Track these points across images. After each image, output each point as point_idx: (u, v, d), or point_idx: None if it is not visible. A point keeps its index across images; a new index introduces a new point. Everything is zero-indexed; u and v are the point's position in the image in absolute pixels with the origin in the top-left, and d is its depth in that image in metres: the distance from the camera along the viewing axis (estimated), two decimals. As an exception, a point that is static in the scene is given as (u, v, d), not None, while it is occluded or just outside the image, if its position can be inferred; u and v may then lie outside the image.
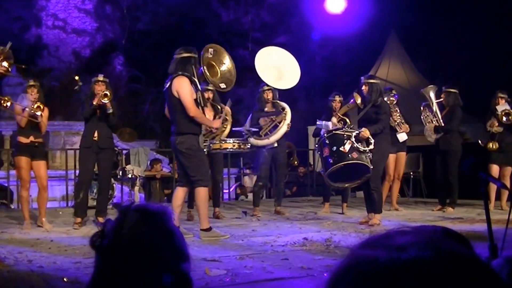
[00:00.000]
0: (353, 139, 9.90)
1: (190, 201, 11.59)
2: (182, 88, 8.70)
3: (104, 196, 11.28)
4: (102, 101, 10.48)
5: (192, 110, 8.69)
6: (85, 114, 10.80)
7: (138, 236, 1.95)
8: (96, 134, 10.71)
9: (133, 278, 1.91)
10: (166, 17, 29.48)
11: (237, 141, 11.03)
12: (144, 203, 2.19)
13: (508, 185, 11.75)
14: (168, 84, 8.85)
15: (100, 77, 10.86)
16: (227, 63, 9.69)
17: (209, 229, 8.85)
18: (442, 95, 12.90)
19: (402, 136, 12.62)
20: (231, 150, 11.16)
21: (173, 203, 9.00)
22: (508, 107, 12.44)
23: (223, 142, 10.94)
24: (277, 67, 12.46)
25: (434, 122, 12.76)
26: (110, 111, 10.65)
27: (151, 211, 2.04)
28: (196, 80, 8.94)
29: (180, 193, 9.11)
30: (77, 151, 12.25)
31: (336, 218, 11.54)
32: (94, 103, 10.58)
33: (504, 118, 12.37)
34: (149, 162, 18.40)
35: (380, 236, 1.31)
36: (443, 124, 12.64)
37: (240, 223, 10.97)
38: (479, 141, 13.01)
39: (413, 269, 1.17)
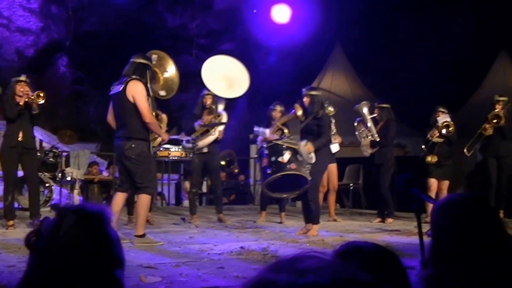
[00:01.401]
0: (300, 149, 9.95)
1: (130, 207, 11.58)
2: (139, 93, 8.63)
3: (36, 197, 11.15)
4: (37, 101, 10.35)
5: (148, 116, 8.65)
6: (11, 114, 10.56)
7: (73, 239, 1.94)
8: (21, 134, 10.56)
9: (65, 281, 1.90)
10: (112, 20, 29.26)
11: (185, 150, 11.05)
12: (83, 204, 2.19)
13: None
14: (121, 87, 8.70)
15: (23, 77, 10.69)
16: (170, 71, 9.68)
17: (143, 235, 8.80)
18: (375, 111, 13.11)
19: (335, 147, 12.69)
20: (178, 158, 11.18)
21: (113, 208, 8.91)
22: (449, 119, 12.60)
23: (172, 150, 10.93)
24: (226, 76, 12.47)
25: (369, 137, 12.91)
26: (36, 111, 10.51)
27: (88, 213, 2.03)
28: (149, 88, 8.91)
29: (120, 198, 9.01)
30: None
31: (274, 227, 11.58)
32: (21, 103, 10.42)
33: (444, 130, 12.52)
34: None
35: (287, 259, 1.35)
36: (378, 139, 12.81)
37: (178, 229, 10.95)
38: (423, 147, 13.10)
39: None
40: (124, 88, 8.66)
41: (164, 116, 11.39)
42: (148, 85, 8.87)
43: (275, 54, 29.28)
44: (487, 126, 12.89)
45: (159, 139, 11.22)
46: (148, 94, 8.81)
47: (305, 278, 1.23)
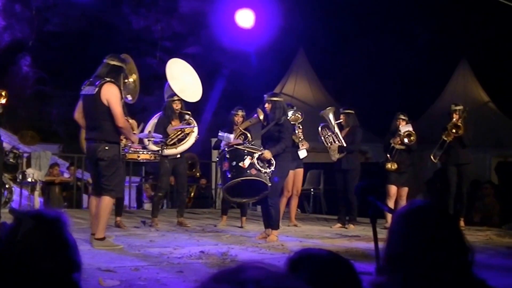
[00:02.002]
0: (255, 159, 9.96)
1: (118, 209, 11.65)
2: (114, 97, 8.54)
3: None
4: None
5: (121, 121, 8.59)
6: None
7: (31, 244, 1.95)
8: None
9: (22, 285, 1.92)
10: (77, 21, 29.06)
11: (154, 153, 11.05)
12: (40, 209, 2.21)
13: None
14: (95, 89, 8.55)
15: None
16: (133, 75, 9.63)
17: (103, 238, 8.71)
18: (341, 116, 13.18)
19: (303, 153, 12.81)
20: (147, 160, 11.18)
21: (91, 213, 8.96)
22: (410, 129, 12.74)
23: (141, 153, 10.91)
24: (183, 80, 12.52)
25: (336, 142, 12.97)
26: (0, 111, 10.41)
27: (46, 218, 2.04)
28: (122, 91, 8.87)
29: (95, 202, 8.93)
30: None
31: (235, 231, 11.57)
32: None
33: (406, 140, 12.66)
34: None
35: (230, 270, 1.39)
36: (345, 144, 12.87)
37: (138, 233, 10.90)
38: (388, 156, 13.17)
39: None
40: (99, 91, 8.53)
41: (133, 122, 11.36)
42: (121, 89, 8.83)
43: (239, 59, 29.28)
44: (447, 134, 13.01)
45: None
46: (121, 98, 8.77)
47: None
